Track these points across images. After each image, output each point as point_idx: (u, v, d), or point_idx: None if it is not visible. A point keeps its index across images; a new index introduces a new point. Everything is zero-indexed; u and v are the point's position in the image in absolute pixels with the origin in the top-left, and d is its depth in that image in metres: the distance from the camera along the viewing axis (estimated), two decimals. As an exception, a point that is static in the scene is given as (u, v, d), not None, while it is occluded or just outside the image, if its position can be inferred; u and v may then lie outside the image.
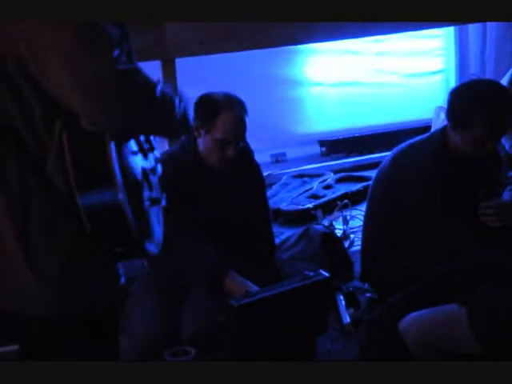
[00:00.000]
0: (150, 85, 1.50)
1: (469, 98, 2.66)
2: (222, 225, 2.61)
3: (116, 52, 1.43)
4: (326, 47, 4.80)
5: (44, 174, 1.49)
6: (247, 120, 2.61)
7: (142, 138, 1.69)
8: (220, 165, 2.59)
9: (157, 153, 1.78)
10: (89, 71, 1.40)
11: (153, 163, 1.75)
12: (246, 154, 2.73)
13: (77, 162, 1.47)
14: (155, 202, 1.70)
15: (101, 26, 1.43)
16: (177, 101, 1.59)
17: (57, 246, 1.52)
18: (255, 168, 2.79)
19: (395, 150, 2.91)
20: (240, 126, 2.59)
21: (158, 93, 1.50)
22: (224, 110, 2.55)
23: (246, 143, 2.71)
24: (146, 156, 1.70)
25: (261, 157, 2.95)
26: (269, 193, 4.09)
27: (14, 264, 1.51)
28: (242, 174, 2.69)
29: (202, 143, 2.61)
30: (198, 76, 4.03)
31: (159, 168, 1.79)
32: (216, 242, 2.55)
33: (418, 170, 2.75)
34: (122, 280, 1.64)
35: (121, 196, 1.49)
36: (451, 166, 2.73)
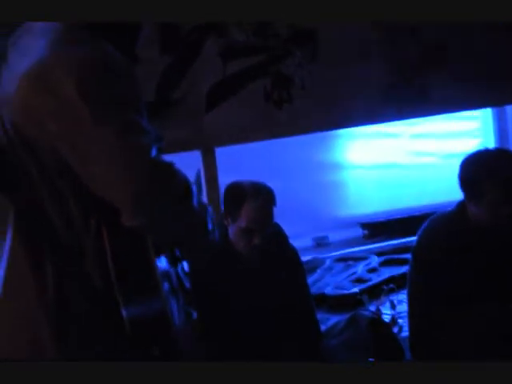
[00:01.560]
0: (186, 183, 1.51)
1: (478, 167, 2.68)
2: (258, 313, 2.58)
3: (153, 151, 1.45)
4: (363, 131, 4.85)
5: (82, 274, 1.50)
6: (276, 206, 2.60)
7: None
8: (248, 253, 2.60)
9: (184, 264, 1.76)
10: (123, 169, 1.43)
11: (182, 275, 1.74)
12: (280, 239, 2.73)
13: (117, 262, 1.48)
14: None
15: (143, 124, 1.46)
16: (206, 206, 1.60)
17: (95, 349, 1.51)
18: (291, 253, 2.78)
19: (422, 226, 2.90)
20: (264, 215, 2.60)
21: (193, 192, 1.51)
22: (248, 200, 2.56)
23: (279, 228, 2.72)
24: (178, 261, 1.70)
25: (302, 241, 2.95)
26: (312, 277, 4.06)
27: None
28: (275, 260, 2.68)
29: (230, 231, 2.62)
30: (239, 163, 4.09)
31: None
32: (256, 331, 2.52)
33: (439, 244, 2.74)
34: None
35: (163, 302, 1.51)
36: (472, 237, 2.71)
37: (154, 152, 1.46)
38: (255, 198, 2.58)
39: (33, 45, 1.53)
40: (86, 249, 1.50)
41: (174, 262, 1.68)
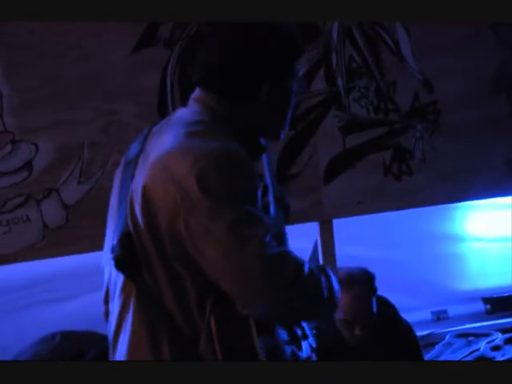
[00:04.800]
0: (297, 267, 1.54)
1: None
2: None
3: (267, 238, 1.50)
4: (485, 202, 4.74)
5: (196, 353, 1.55)
6: (379, 288, 2.49)
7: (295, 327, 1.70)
8: (353, 343, 2.51)
9: (311, 341, 1.77)
10: (239, 260, 1.48)
11: (308, 352, 1.73)
12: (389, 316, 2.64)
13: (224, 343, 1.53)
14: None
15: (255, 214, 1.52)
16: (323, 279, 1.61)
17: None
18: (404, 328, 2.67)
19: None
20: (362, 306, 2.49)
21: (305, 274, 1.54)
22: (342, 290, 2.49)
23: (388, 305, 2.63)
24: (299, 346, 1.70)
25: (421, 314, 2.89)
26: (431, 353, 3.95)
27: None
28: (386, 340, 2.60)
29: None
30: (356, 234, 4.08)
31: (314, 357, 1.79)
32: None
33: None
34: None
35: None
36: None
37: (267, 239, 1.50)
38: (349, 288, 2.46)
39: (165, 134, 1.62)
40: (200, 331, 1.55)
41: (294, 339, 1.69)
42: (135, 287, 1.61)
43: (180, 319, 1.56)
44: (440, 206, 4.22)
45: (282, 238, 1.62)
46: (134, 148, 1.73)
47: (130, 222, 1.59)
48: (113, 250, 1.61)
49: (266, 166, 1.79)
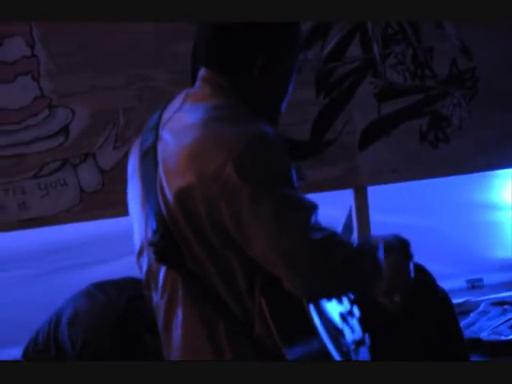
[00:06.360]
0: (345, 248, 1.56)
1: None
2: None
3: (312, 220, 1.50)
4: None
5: (252, 335, 1.56)
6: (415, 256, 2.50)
7: None
8: (392, 309, 2.54)
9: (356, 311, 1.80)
10: (286, 245, 1.49)
11: (348, 306, 1.76)
12: (426, 284, 2.64)
13: (278, 321, 1.53)
14: (360, 343, 1.71)
15: (298, 197, 1.52)
16: (370, 257, 1.64)
17: None
18: (440, 296, 2.69)
19: None
20: (399, 273, 2.49)
21: (353, 254, 1.56)
22: None
23: (425, 272, 2.63)
24: (340, 300, 1.73)
25: (456, 282, 2.89)
26: (466, 321, 3.94)
27: None
28: (423, 308, 2.61)
29: None
30: (391, 202, 4.05)
31: (356, 309, 1.80)
32: None
33: None
34: None
35: (326, 346, 1.53)
36: None
37: (312, 221, 1.50)
38: (385, 256, 2.48)
39: (185, 121, 1.60)
40: (252, 314, 1.56)
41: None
42: (180, 278, 1.59)
43: (231, 304, 1.56)
44: (477, 174, 4.18)
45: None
46: (147, 136, 1.69)
47: (164, 212, 1.57)
48: (151, 243, 1.60)
49: None
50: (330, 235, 1.53)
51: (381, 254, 1.67)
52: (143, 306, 1.91)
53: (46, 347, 2.75)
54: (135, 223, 1.75)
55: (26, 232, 3.18)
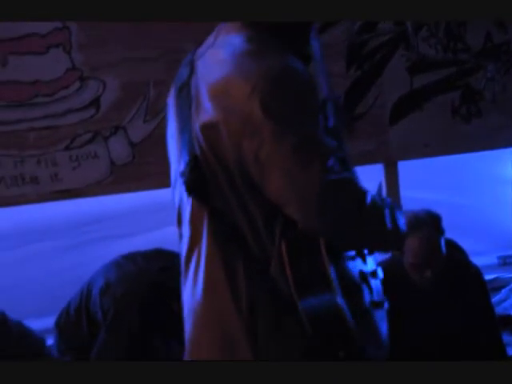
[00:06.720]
0: (359, 194, 1.53)
1: None
2: (439, 337, 2.53)
3: (330, 162, 1.49)
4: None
5: (268, 276, 1.57)
6: (445, 232, 2.48)
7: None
8: (422, 284, 2.51)
9: (377, 256, 1.78)
10: (301, 182, 1.48)
11: (373, 266, 1.76)
12: (458, 260, 2.63)
13: (295, 267, 1.53)
14: (377, 305, 1.70)
15: (318, 138, 1.51)
16: (387, 211, 1.59)
17: (283, 350, 1.56)
18: (472, 272, 2.67)
19: None
20: (431, 248, 2.47)
21: (367, 202, 1.53)
22: (410, 233, 2.45)
23: (457, 248, 2.61)
24: (364, 260, 1.71)
25: (487, 258, 2.86)
26: (497, 297, 3.92)
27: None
28: (454, 284, 2.59)
29: (404, 260, 2.55)
30: (422, 177, 4.02)
31: (380, 271, 1.80)
32: (436, 355, 2.47)
33: None
34: None
35: (339, 300, 1.52)
36: None
37: (331, 162, 1.49)
38: (417, 231, 2.46)
39: (217, 55, 1.61)
40: (271, 255, 1.56)
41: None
42: (206, 212, 1.61)
43: (252, 245, 1.57)
44: (510, 149, 4.13)
45: (345, 162, 1.60)
46: (182, 72, 1.71)
47: (197, 147, 1.59)
48: (183, 174, 1.62)
49: (319, 67, 1.74)
50: (347, 178, 1.52)
51: (400, 218, 1.63)
52: (172, 276, 1.92)
53: (77, 317, 2.79)
54: (172, 158, 1.76)
55: (58, 204, 3.22)
